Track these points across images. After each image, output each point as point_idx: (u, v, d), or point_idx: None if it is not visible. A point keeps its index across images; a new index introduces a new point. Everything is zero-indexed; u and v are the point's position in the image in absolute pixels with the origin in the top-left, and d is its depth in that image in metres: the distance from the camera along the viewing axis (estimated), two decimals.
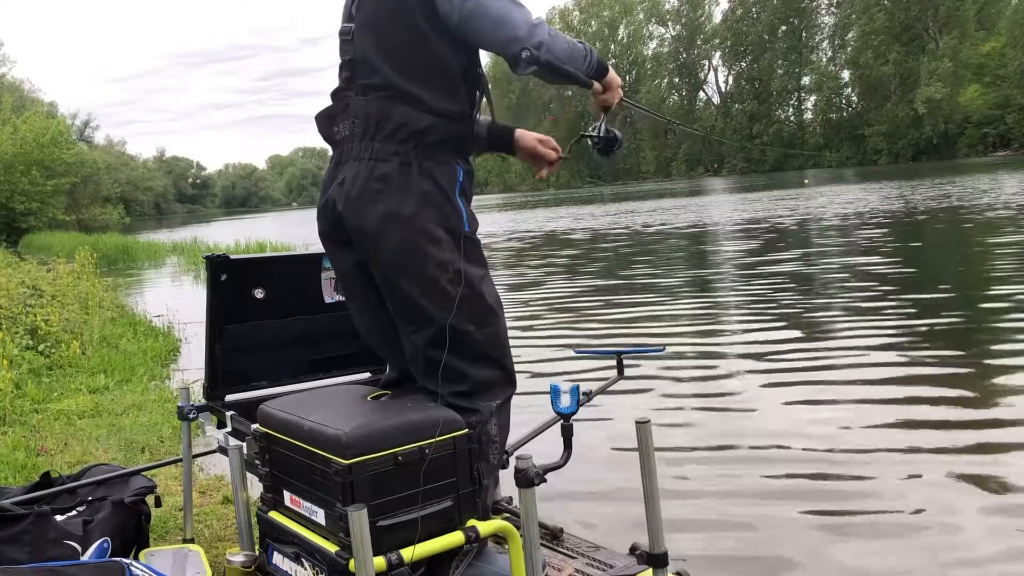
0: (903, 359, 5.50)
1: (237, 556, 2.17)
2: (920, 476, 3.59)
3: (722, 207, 26.50)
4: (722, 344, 6.49)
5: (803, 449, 4.01)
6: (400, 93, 1.96)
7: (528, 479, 1.70)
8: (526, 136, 2.36)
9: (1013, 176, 28.31)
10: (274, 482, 2.08)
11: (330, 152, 2.15)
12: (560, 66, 1.91)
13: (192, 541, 2.78)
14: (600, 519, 3.30)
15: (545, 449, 2.43)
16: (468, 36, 1.93)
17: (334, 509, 1.81)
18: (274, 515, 2.08)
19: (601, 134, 2.24)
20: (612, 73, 2.11)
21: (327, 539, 1.87)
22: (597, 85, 2.10)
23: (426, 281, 1.95)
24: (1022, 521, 3.08)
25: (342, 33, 2.08)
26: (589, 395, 2.57)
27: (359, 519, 1.42)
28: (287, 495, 2.03)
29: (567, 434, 2.30)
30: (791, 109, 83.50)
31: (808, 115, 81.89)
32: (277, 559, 2.06)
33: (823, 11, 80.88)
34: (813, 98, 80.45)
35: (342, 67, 2.07)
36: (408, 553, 1.75)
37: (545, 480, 1.76)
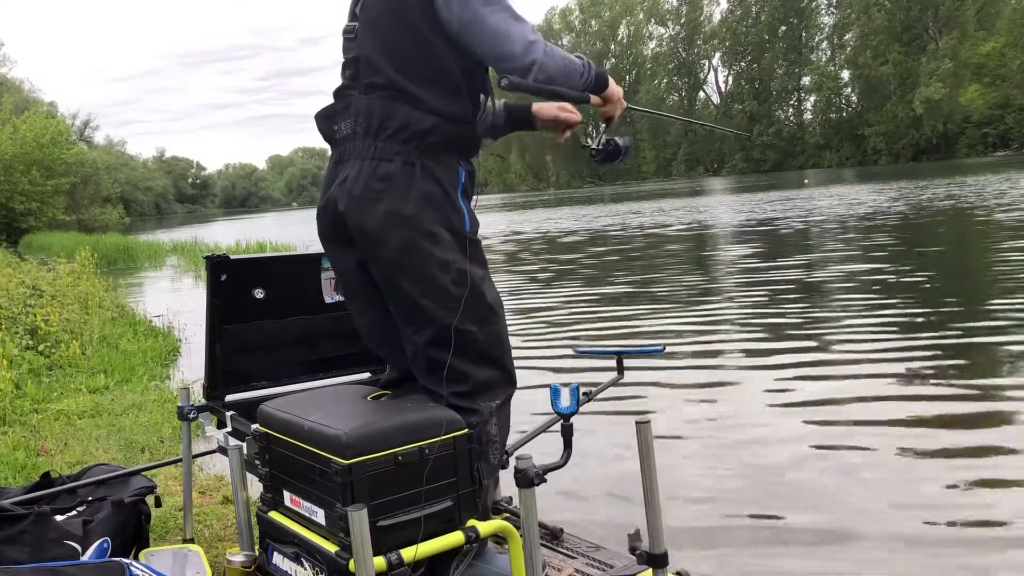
0: (908, 365, 5.45)
1: (237, 556, 2.17)
2: (916, 485, 3.59)
3: (722, 208, 26.49)
4: (722, 344, 6.49)
5: (803, 448, 4.01)
6: (403, 93, 1.96)
7: (528, 479, 1.70)
8: (545, 107, 2.37)
9: (1022, 174, 27.98)
10: (274, 482, 2.08)
11: (330, 152, 2.15)
12: (550, 88, 1.94)
13: (192, 541, 2.78)
14: (600, 519, 3.30)
15: (545, 449, 2.43)
16: (465, 46, 1.94)
17: (334, 509, 1.80)
18: (274, 515, 2.08)
19: (600, 146, 2.24)
20: (613, 86, 2.12)
21: (327, 539, 1.87)
22: (596, 99, 2.11)
23: (427, 281, 1.95)
24: None
25: (346, 32, 2.08)
26: (589, 395, 2.57)
27: (359, 519, 1.42)
28: (287, 495, 2.03)
29: (567, 434, 2.30)
30: (791, 109, 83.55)
31: (808, 115, 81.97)
32: (277, 559, 2.06)
33: (823, 11, 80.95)
34: (813, 98, 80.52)
35: (345, 65, 2.07)
36: (408, 553, 1.75)
37: (545, 480, 1.76)
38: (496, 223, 27.26)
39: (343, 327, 2.63)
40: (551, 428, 2.55)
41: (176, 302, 10.88)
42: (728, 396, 5.04)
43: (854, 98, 77.23)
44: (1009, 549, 2.91)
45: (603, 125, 2.24)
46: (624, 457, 3.89)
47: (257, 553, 2.18)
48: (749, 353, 6.11)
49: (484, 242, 2.12)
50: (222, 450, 2.50)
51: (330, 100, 2.12)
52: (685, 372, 5.66)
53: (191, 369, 6.50)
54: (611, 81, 2.11)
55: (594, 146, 2.25)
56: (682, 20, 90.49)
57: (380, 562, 1.69)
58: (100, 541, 2.45)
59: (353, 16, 2.08)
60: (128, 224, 56.44)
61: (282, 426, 2.00)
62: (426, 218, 1.95)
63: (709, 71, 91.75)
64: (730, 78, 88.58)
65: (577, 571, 2.21)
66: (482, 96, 2.08)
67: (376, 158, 1.97)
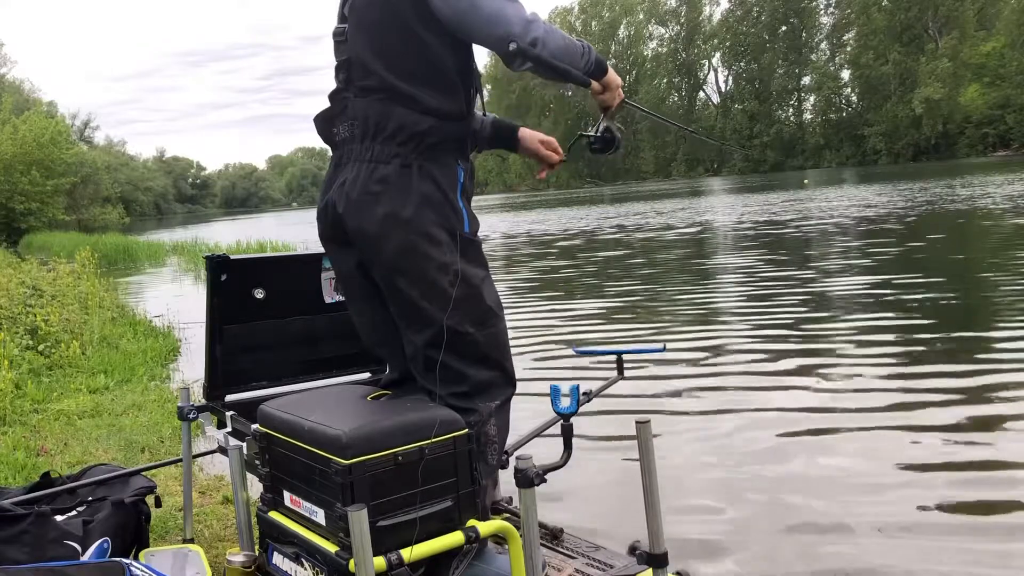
0: (912, 366, 5.43)
1: (237, 556, 2.17)
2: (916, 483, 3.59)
3: (723, 208, 26.48)
4: (723, 344, 6.49)
5: (803, 449, 4.01)
6: (398, 94, 1.96)
7: (528, 479, 1.70)
8: (529, 136, 2.37)
9: None
10: (274, 482, 2.08)
11: (330, 153, 2.15)
12: (555, 63, 1.90)
13: (192, 541, 2.78)
14: (600, 519, 3.29)
15: (545, 449, 2.43)
16: (462, 33, 1.93)
17: (334, 509, 1.81)
18: (274, 515, 2.08)
19: (598, 134, 2.24)
20: (612, 73, 2.10)
21: (327, 539, 1.87)
22: (596, 85, 2.10)
23: (426, 282, 1.95)
24: None
25: (336, 34, 2.08)
26: (589, 395, 2.57)
27: (359, 519, 1.42)
28: (287, 495, 2.03)
29: (567, 434, 2.30)
30: (791, 109, 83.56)
31: (808, 115, 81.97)
32: (277, 559, 2.06)
33: (822, 11, 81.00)
34: (813, 98, 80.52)
35: (338, 68, 2.07)
36: (408, 553, 1.75)
37: (545, 480, 1.76)
38: (496, 224, 27.27)
39: (343, 327, 2.63)
40: (551, 428, 2.55)
41: (176, 302, 10.88)
42: (729, 396, 5.03)
43: (854, 98, 77.29)
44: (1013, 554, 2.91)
45: (601, 114, 2.23)
46: (624, 457, 3.90)
47: (257, 553, 2.18)
48: (750, 353, 6.10)
49: (484, 243, 2.12)
50: (222, 450, 2.50)
51: (327, 102, 2.12)
52: (685, 372, 5.66)
53: (191, 369, 6.50)
54: (610, 68, 2.10)
55: (592, 135, 2.25)
56: (682, 20, 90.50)
57: (380, 562, 1.69)
58: (100, 541, 2.45)
59: (342, 18, 2.07)
60: (128, 224, 56.48)
61: (282, 426, 2.01)
62: (425, 220, 1.95)
63: (709, 71, 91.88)
64: (730, 78, 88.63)
65: (577, 571, 2.21)
66: (473, 91, 2.08)
67: (373, 161, 1.97)
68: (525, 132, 2.37)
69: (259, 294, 2.69)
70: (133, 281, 16.37)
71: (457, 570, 1.97)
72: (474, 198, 2.12)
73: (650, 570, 1.77)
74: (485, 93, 2.22)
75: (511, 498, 2.47)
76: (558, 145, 2.40)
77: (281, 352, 2.74)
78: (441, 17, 1.90)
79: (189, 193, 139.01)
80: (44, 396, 5.54)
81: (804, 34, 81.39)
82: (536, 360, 6.24)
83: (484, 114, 2.28)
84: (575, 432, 2.32)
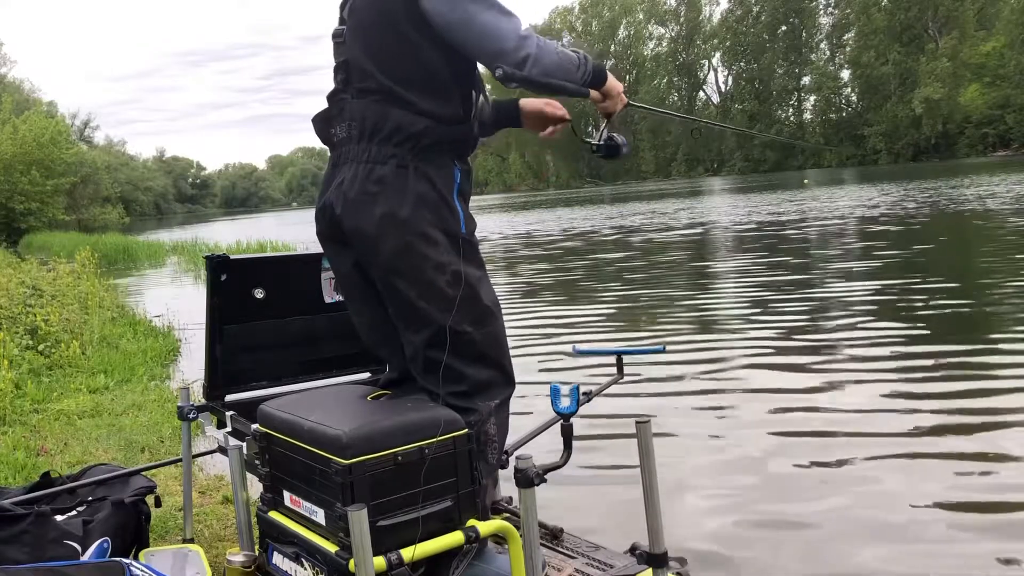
0: (912, 362, 5.45)
1: (237, 556, 2.17)
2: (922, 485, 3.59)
3: (722, 208, 26.48)
4: (722, 344, 6.49)
5: (804, 449, 4.01)
6: (394, 96, 1.97)
7: (528, 479, 1.70)
8: (531, 102, 2.36)
9: None
10: (274, 482, 2.08)
11: (329, 153, 2.15)
12: (547, 81, 1.91)
13: (192, 541, 2.78)
14: (600, 519, 3.30)
15: (545, 449, 2.43)
16: (455, 44, 1.94)
17: (334, 509, 1.81)
18: (274, 515, 2.08)
19: (602, 141, 2.24)
20: (612, 80, 2.10)
21: (327, 539, 1.87)
22: (595, 94, 2.10)
23: (424, 283, 1.96)
24: None
25: (335, 36, 2.09)
26: (589, 395, 2.57)
27: (359, 519, 1.42)
28: (287, 495, 2.03)
29: (567, 434, 2.30)
30: (791, 109, 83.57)
31: (808, 115, 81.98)
32: (277, 559, 2.06)
33: (822, 11, 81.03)
34: (813, 98, 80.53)
35: (337, 69, 2.08)
36: (408, 553, 1.75)
37: (545, 480, 1.76)
38: (495, 223, 27.25)
39: (343, 327, 2.63)
40: (551, 428, 2.55)
41: (176, 302, 10.87)
42: (729, 396, 5.03)
43: (854, 98, 77.31)
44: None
45: (604, 121, 2.23)
46: (624, 457, 3.89)
47: (257, 553, 2.18)
48: (751, 354, 6.10)
49: (483, 243, 2.12)
50: (222, 450, 2.50)
51: (326, 102, 2.13)
52: (685, 372, 5.66)
53: (191, 369, 6.50)
54: (610, 76, 2.09)
55: (595, 142, 2.25)
56: (682, 20, 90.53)
57: (380, 562, 1.69)
58: (100, 541, 2.45)
59: (342, 19, 2.08)
60: (128, 224, 56.47)
61: (282, 426, 2.01)
62: (421, 220, 1.96)
63: (709, 71, 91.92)
64: (730, 78, 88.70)
65: (577, 571, 2.21)
66: (474, 94, 2.08)
67: (370, 161, 1.98)
68: (526, 101, 2.37)
69: (259, 294, 2.69)
70: (133, 281, 16.36)
71: (457, 570, 1.97)
72: (474, 198, 2.12)
73: (650, 570, 1.77)
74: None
75: (511, 498, 2.47)
76: (559, 103, 2.38)
77: (281, 352, 2.75)
78: (435, 26, 1.91)
79: (189, 193, 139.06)
80: (44, 396, 5.54)
81: (804, 34, 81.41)
82: (536, 360, 6.24)
83: (487, 99, 2.27)
84: (575, 432, 2.32)
